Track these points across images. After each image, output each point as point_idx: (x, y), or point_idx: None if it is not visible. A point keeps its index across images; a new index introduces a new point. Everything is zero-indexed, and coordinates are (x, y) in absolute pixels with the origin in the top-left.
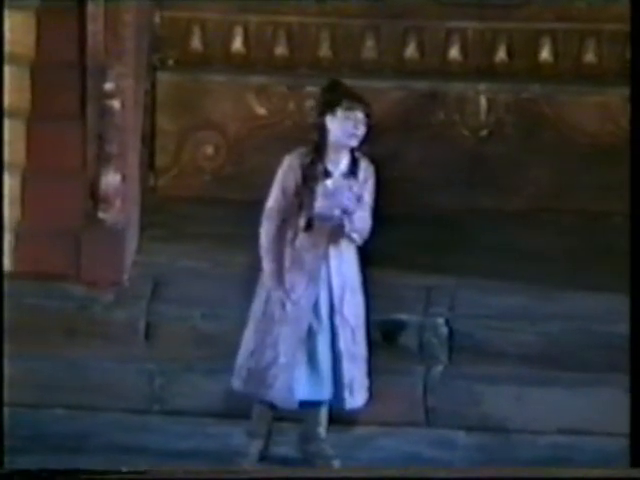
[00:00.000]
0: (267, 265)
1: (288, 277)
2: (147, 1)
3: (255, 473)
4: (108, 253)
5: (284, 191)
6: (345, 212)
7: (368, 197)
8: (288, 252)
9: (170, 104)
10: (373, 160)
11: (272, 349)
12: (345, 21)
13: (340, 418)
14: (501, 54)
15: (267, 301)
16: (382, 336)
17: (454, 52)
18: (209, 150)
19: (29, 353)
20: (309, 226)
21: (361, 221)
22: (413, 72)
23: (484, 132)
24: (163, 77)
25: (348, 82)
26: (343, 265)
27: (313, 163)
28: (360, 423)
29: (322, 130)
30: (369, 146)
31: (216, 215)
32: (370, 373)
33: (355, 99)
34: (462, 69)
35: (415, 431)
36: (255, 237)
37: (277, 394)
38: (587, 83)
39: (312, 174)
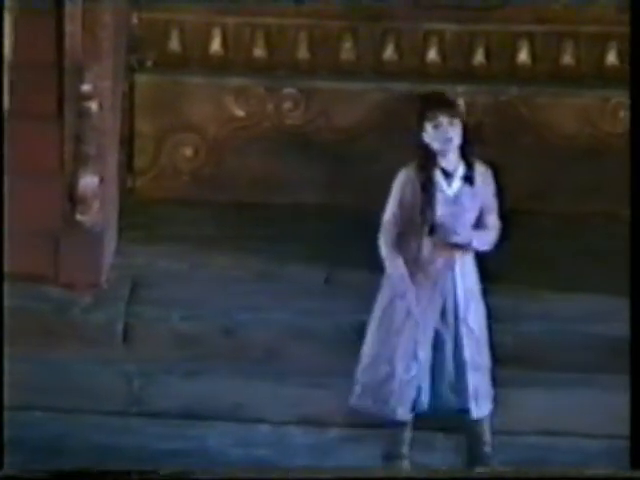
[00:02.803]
0: (395, 269)
1: (414, 288)
2: (125, 2)
3: (258, 473)
4: (86, 255)
5: (401, 203)
6: (462, 236)
7: (492, 201)
8: (412, 262)
9: (148, 106)
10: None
11: (388, 363)
12: (323, 23)
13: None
14: (479, 56)
15: (384, 312)
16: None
17: (432, 54)
18: (188, 152)
19: (6, 355)
20: (432, 231)
21: (489, 229)
22: (391, 74)
23: None
24: (141, 79)
25: (326, 84)
26: (467, 273)
27: (430, 172)
28: (337, 425)
29: (425, 148)
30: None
31: (195, 217)
32: (495, 383)
33: (435, 104)
34: (440, 71)
35: None
36: (235, 238)
37: (397, 408)
38: (565, 85)
39: (430, 181)
